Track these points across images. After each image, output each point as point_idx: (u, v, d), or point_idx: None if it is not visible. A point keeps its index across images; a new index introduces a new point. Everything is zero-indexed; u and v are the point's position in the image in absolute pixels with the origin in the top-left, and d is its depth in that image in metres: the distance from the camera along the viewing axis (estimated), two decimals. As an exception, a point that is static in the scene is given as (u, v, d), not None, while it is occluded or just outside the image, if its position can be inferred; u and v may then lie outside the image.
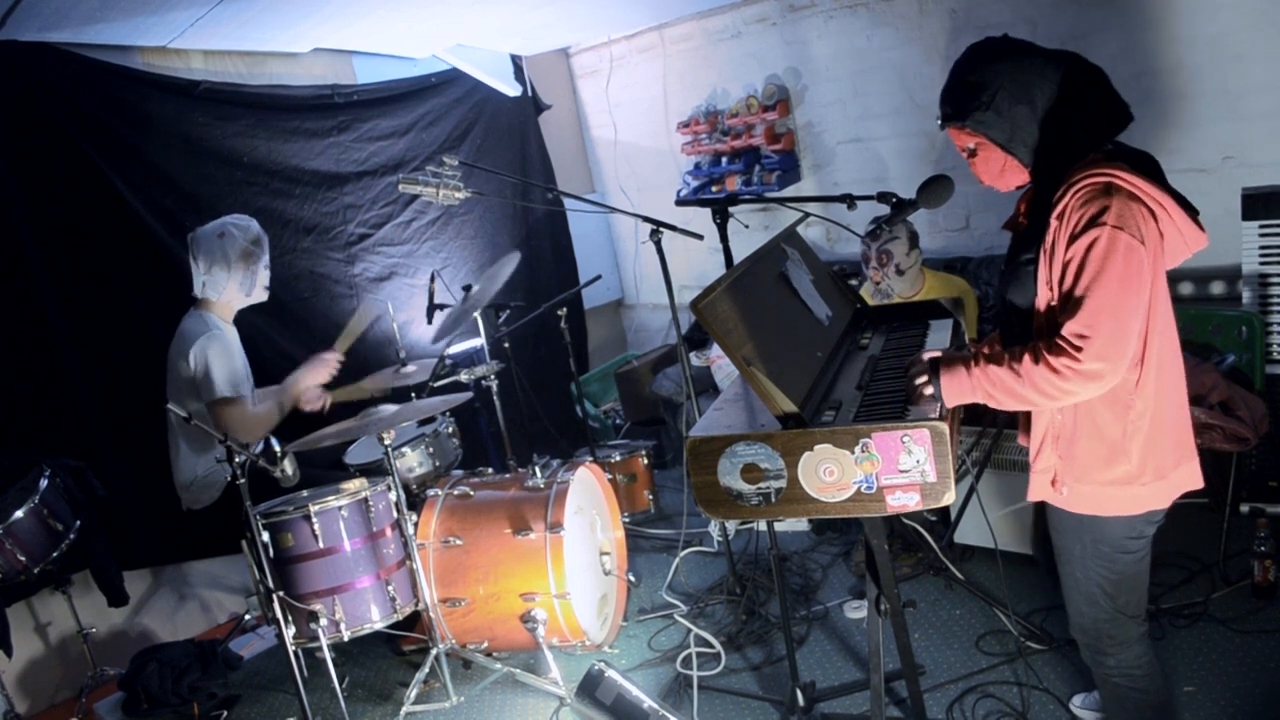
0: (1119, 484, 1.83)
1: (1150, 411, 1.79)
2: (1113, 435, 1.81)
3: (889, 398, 1.90)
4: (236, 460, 2.67)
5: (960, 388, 1.81)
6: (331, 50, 4.48)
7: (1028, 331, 1.88)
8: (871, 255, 3.49)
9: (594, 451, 4.22)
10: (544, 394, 5.03)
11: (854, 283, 3.82)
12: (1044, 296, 1.81)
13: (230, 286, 3.32)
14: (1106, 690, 2.05)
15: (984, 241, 4.29)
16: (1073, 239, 1.72)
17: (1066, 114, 1.78)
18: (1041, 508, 2.03)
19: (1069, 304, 1.73)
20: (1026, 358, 1.74)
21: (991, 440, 3.14)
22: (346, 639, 2.92)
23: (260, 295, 3.45)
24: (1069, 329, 1.70)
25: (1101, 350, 1.67)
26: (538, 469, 3.32)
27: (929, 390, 1.82)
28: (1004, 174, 1.89)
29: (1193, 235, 1.78)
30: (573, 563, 3.13)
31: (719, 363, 4.43)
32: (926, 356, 1.93)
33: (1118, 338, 1.68)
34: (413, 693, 3.09)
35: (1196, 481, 1.89)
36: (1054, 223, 1.76)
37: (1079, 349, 1.68)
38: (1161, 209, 1.74)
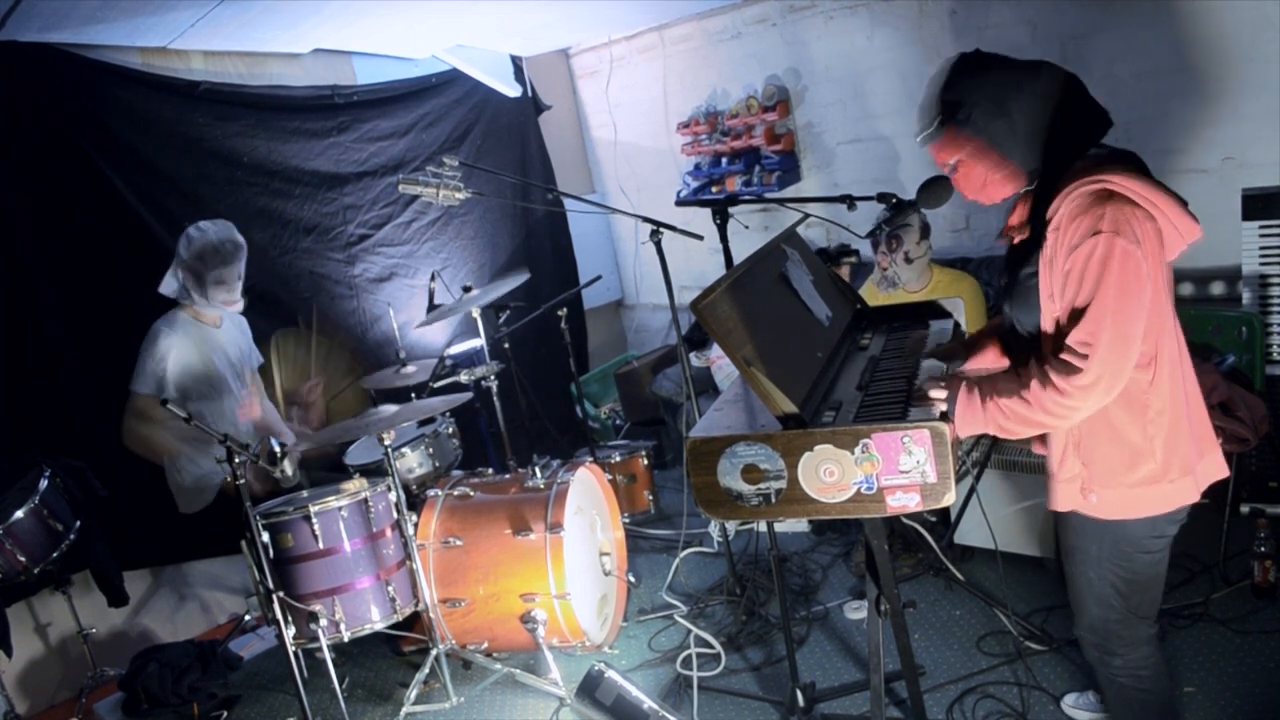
0: (1146, 484, 1.82)
1: (1168, 408, 1.80)
2: (1133, 438, 1.81)
3: (889, 398, 1.90)
4: (236, 460, 2.67)
5: (974, 419, 1.82)
6: (331, 51, 4.48)
7: (1033, 347, 1.88)
8: (881, 240, 3.49)
9: (594, 452, 4.22)
10: (544, 394, 5.03)
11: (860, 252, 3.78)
12: (1047, 310, 1.80)
13: (193, 293, 3.30)
14: (1112, 690, 2.05)
15: (984, 242, 4.29)
16: (1072, 249, 1.72)
17: (1048, 123, 1.78)
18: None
19: (1072, 314, 1.73)
20: (1034, 384, 1.75)
21: (991, 440, 3.14)
22: (346, 639, 2.92)
23: (218, 309, 3.38)
24: (1072, 338, 1.71)
25: (1104, 357, 1.68)
26: (538, 469, 3.32)
27: (943, 407, 1.81)
28: (985, 188, 1.89)
29: (1187, 228, 1.78)
30: (573, 563, 3.13)
31: (719, 363, 4.43)
32: (948, 372, 1.93)
33: (1118, 345, 1.69)
34: (413, 693, 3.09)
35: (1221, 470, 1.89)
36: (1051, 235, 1.76)
37: (1084, 356, 1.69)
38: (1157, 209, 1.73)
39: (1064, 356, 1.72)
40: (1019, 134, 1.79)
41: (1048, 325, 1.82)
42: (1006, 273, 1.96)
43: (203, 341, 3.35)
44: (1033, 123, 1.78)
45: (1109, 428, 1.82)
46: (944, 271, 3.59)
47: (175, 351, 3.27)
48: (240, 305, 3.42)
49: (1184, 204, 1.78)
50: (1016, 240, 1.90)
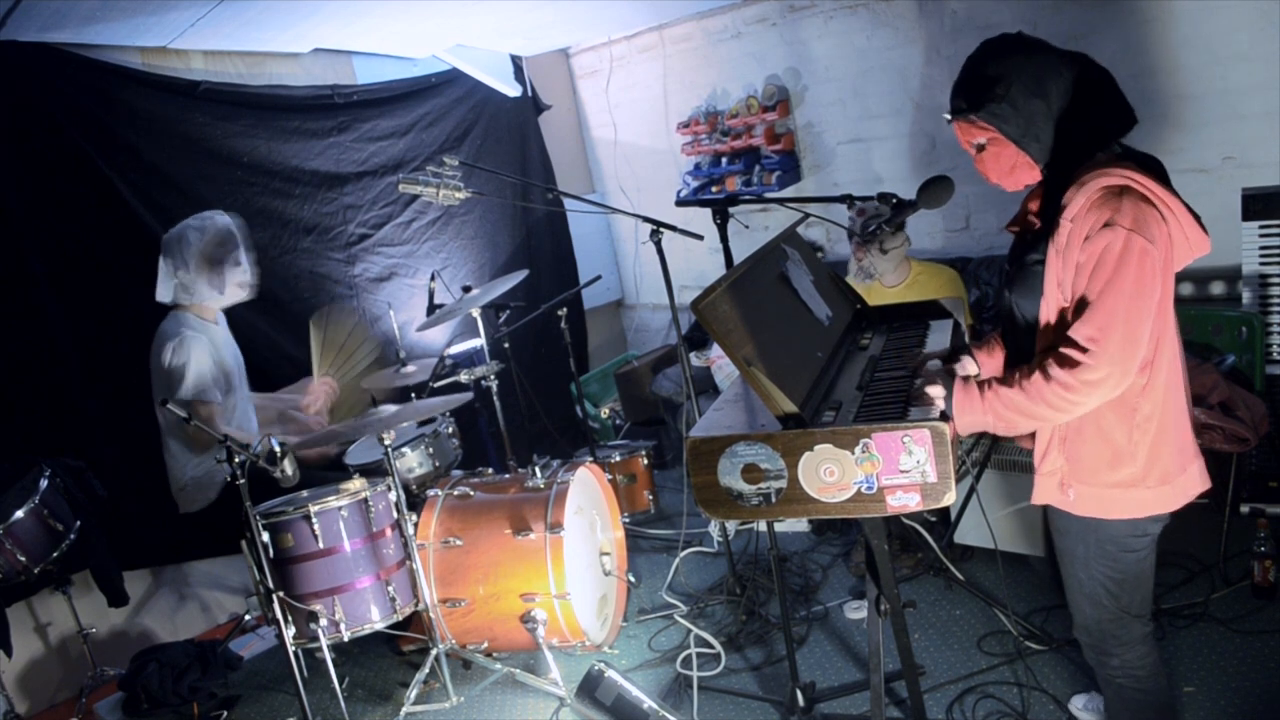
0: (1124, 486, 1.82)
1: (1157, 415, 1.79)
2: (1118, 438, 1.80)
3: (889, 398, 1.90)
4: (236, 460, 2.67)
5: (973, 412, 1.80)
6: (331, 50, 4.48)
7: (1031, 335, 1.88)
8: (856, 231, 3.46)
9: (594, 451, 4.22)
10: (544, 394, 5.03)
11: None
12: (1053, 298, 1.79)
13: (199, 289, 3.29)
14: (1110, 690, 2.05)
15: (984, 241, 4.29)
16: (1087, 241, 1.71)
17: (1078, 113, 1.77)
18: (1048, 511, 2.03)
19: (1080, 307, 1.72)
20: (1036, 375, 1.73)
21: (991, 440, 3.14)
22: (346, 639, 2.92)
23: (236, 294, 3.39)
24: (1079, 332, 1.70)
25: (1111, 355, 1.67)
26: (538, 469, 3.32)
27: (941, 406, 1.80)
28: (1014, 172, 1.87)
29: (1197, 240, 1.78)
30: (573, 563, 3.13)
31: (719, 363, 4.43)
32: (944, 368, 1.93)
33: (1127, 342, 1.68)
34: (413, 693, 3.09)
35: (1203, 483, 1.89)
36: (1066, 224, 1.74)
37: (1088, 352, 1.68)
38: (1171, 212, 1.73)
39: (1065, 350, 1.71)
40: (1050, 120, 1.78)
41: (1050, 314, 1.81)
42: (1011, 259, 1.95)
43: (212, 339, 3.35)
44: (1066, 110, 1.77)
45: (1096, 426, 1.81)
46: (922, 265, 3.54)
47: (202, 350, 3.25)
48: (255, 284, 3.43)
49: (1197, 217, 1.78)
50: (1038, 226, 1.88)
